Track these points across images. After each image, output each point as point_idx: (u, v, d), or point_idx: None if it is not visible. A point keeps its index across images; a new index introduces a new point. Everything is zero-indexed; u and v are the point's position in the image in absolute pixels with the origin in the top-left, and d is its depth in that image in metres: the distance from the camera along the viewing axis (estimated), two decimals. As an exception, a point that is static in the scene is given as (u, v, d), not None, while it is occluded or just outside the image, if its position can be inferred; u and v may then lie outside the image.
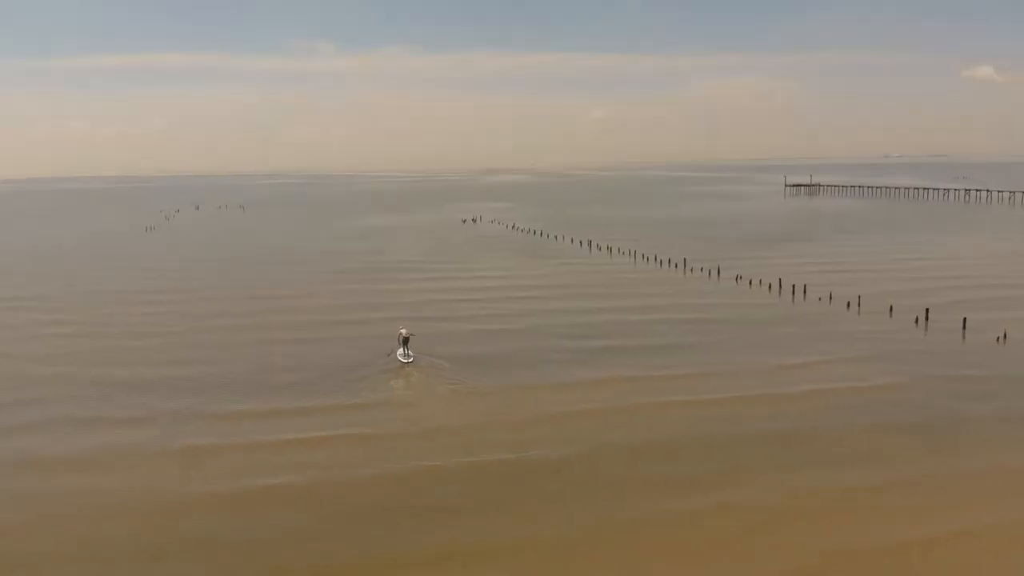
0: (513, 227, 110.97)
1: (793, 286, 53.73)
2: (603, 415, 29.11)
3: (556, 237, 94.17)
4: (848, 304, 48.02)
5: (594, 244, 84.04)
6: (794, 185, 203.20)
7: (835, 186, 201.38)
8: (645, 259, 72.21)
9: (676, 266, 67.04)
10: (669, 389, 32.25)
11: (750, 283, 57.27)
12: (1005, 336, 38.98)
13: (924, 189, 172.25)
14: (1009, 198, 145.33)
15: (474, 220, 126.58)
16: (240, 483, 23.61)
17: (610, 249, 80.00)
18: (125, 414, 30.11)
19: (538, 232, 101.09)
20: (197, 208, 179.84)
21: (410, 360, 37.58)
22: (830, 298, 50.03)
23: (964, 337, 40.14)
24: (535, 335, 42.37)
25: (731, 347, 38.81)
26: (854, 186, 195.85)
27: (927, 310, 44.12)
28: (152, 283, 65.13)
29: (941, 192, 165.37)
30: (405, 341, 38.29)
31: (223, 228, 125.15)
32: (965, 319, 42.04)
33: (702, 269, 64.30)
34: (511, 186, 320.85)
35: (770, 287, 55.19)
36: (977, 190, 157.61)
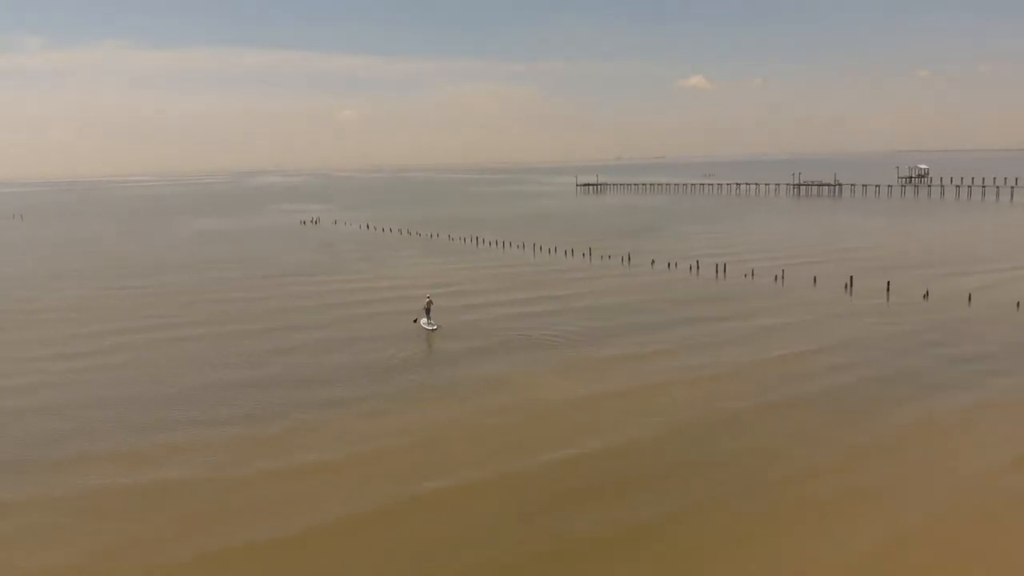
0: (368, 227, 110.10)
1: (716, 265, 61.21)
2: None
3: (430, 235, 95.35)
4: (776, 278, 56.15)
5: (479, 240, 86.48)
6: (584, 184, 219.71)
7: (618, 184, 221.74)
8: (545, 251, 76.38)
9: (584, 255, 72.23)
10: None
11: (668, 266, 64.07)
12: (928, 294, 48.64)
13: (699, 184, 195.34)
14: (775, 189, 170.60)
15: (314, 222, 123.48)
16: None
17: (501, 244, 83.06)
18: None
19: (403, 231, 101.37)
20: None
21: (434, 328, 38.95)
22: (752, 274, 57.97)
23: (924, 300, 49.35)
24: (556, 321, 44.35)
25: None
26: (634, 184, 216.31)
27: (851, 277, 53.34)
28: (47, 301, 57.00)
29: (715, 187, 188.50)
30: (427, 309, 39.95)
31: (39, 239, 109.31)
32: (888, 283, 51.37)
33: (610, 257, 70.15)
34: (291, 188, 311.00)
35: (689, 268, 62.24)
36: (747, 184, 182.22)
